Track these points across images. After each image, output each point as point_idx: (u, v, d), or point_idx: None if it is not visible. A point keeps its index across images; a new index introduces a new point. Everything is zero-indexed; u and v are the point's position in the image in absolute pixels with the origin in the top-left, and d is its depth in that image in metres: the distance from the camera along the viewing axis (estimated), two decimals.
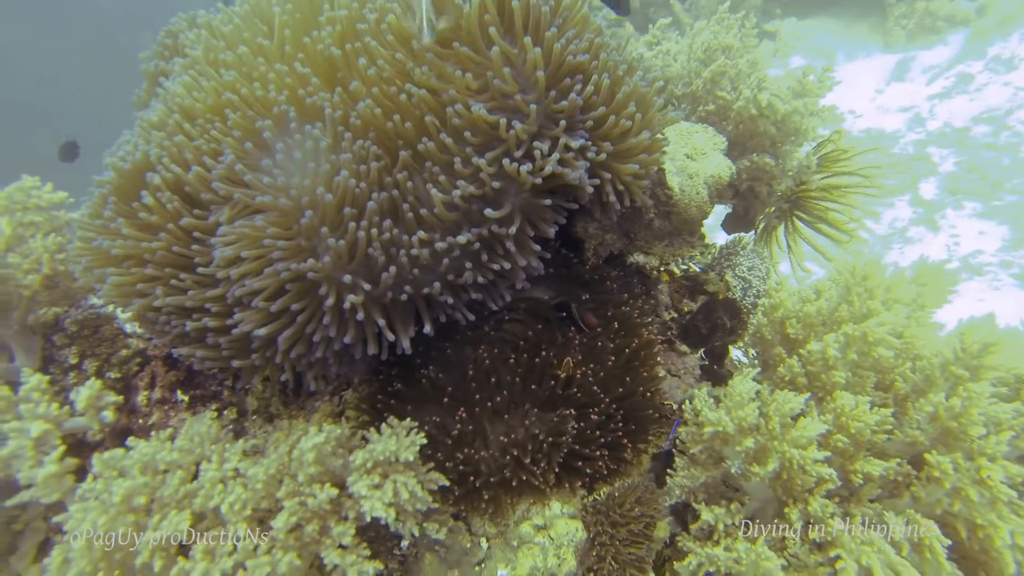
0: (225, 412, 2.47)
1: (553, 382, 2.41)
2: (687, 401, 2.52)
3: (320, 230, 1.79)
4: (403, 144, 1.94)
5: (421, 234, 1.88)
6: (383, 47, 1.95)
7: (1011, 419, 2.00)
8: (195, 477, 1.93)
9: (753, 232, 3.76)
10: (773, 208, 3.57)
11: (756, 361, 2.93)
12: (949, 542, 1.94)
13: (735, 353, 3.58)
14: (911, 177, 7.52)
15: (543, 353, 2.48)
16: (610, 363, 2.48)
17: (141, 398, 2.39)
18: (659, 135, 2.35)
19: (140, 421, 2.36)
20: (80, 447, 2.37)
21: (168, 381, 2.47)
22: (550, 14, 1.87)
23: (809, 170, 3.22)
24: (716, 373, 3.06)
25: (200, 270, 1.90)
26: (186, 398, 2.46)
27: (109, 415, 2.32)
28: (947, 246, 6.92)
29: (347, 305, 1.86)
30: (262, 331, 1.91)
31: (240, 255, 1.82)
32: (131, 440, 2.00)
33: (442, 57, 1.92)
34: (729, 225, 3.67)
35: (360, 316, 1.91)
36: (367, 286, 1.88)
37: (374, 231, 1.84)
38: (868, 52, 9.35)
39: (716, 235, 4.17)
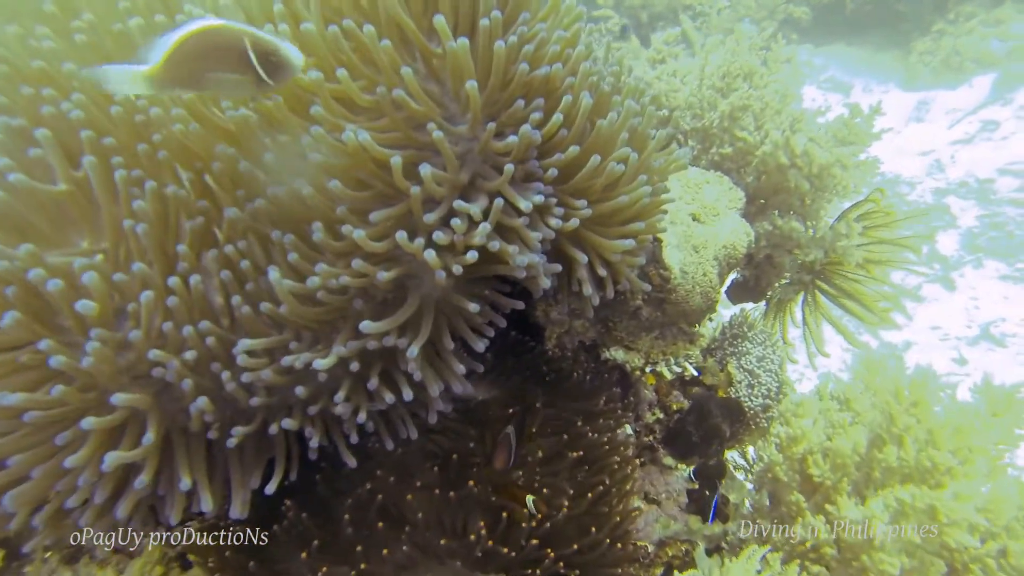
0: None
1: (480, 533, 1.66)
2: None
3: (61, 323, 1.02)
4: (245, 195, 1.17)
5: (247, 342, 1.11)
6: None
7: None
8: None
9: (764, 304, 3.03)
10: (787, 278, 2.83)
11: (758, 493, 2.20)
12: None
13: (730, 455, 2.85)
14: (929, 229, 6.83)
15: (470, 483, 1.74)
16: (566, 508, 1.74)
17: None
18: (662, 186, 1.60)
19: None
20: None
21: None
22: None
23: (848, 239, 2.49)
24: (709, 504, 2.31)
25: None
26: None
27: None
28: (966, 309, 6.22)
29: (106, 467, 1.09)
30: None
31: None
32: None
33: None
34: (734, 295, 2.93)
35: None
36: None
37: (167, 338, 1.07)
38: (886, 88, 8.66)
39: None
